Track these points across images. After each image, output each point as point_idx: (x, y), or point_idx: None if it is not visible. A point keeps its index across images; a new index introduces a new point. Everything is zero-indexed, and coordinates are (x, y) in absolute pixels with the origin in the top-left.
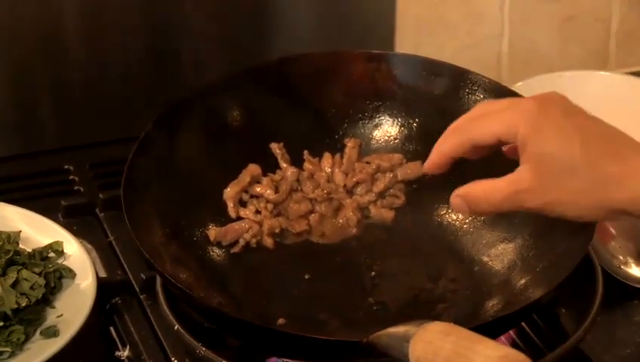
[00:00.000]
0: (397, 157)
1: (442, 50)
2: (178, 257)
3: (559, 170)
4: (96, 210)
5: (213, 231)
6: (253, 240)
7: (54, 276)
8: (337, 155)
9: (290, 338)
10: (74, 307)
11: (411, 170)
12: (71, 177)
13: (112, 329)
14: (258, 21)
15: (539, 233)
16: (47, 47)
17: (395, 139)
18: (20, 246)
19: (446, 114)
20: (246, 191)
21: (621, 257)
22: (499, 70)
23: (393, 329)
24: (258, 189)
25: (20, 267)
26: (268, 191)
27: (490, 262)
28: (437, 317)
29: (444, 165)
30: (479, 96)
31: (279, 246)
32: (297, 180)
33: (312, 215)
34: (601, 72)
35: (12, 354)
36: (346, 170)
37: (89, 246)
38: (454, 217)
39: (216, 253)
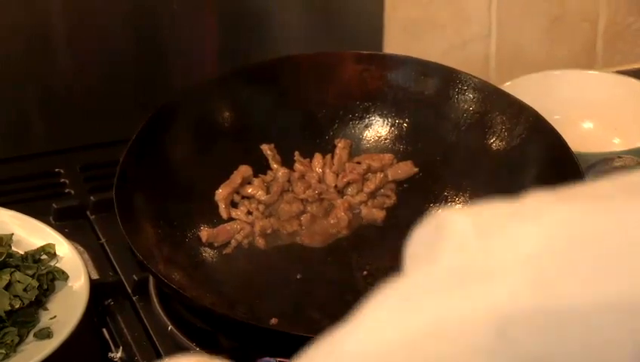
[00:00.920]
0: (387, 157)
1: (430, 51)
2: (170, 258)
3: None
4: (88, 213)
5: (205, 232)
6: (245, 241)
7: (47, 278)
8: (328, 156)
9: (283, 337)
10: (67, 309)
11: (402, 170)
12: (62, 180)
13: (104, 330)
14: (248, 23)
15: None
16: (36, 49)
17: (386, 139)
18: (13, 248)
19: (436, 114)
20: (237, 193)
21: None
22: (487, 71)
23: None
24: (249, 190)
25: (12, 269)
26: (259, 192)
27: None
28: None
29: None
30: (469, 96)
31: (271, 247)
32: (288, 181)
33: (304, 215)
34: (589, 71)
35: (6, 356)
36: (337, 171)
37: (81, 248)
38: None
39: (208, 253)
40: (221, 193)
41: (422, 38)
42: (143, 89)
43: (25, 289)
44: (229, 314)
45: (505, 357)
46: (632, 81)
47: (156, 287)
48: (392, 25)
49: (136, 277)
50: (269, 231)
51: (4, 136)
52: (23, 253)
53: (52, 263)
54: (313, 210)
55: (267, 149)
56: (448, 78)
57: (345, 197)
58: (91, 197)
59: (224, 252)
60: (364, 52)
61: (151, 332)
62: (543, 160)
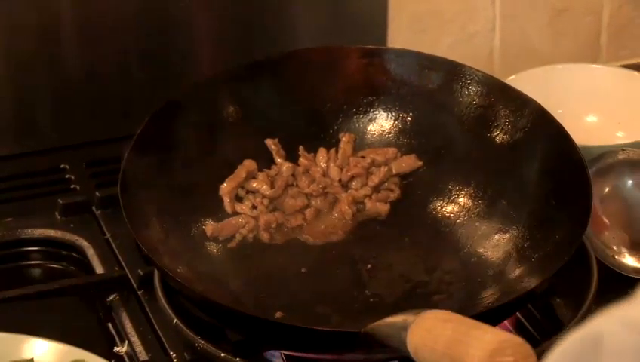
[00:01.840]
0: (391, 151)
1: (435, 45)
2: (176, 252)
3: None
4: (93, 208)
5: (209, 227)
6: (250, 235)
7: None
8: (332, 150)
9: (289, 330)
10: None
11: (406, 163)
12: (67, 176)
13: (110, 325)
14: (252, 18)
15: (534, 224)
16: (42, 46)
17: (390, 133)
18: None
19: (440, 107)
20: (242, 187)
21: (615, 247)
22: (491, 65)
23: (391, 319)
24: (254, 185)
25: None
26: (264, 187)
27: (485, 253)
28: (433, 308)
29: None
30: (472, 90)
31: (275, 241)
32: (293, 175)
33: (308, 209)
34: (593, 65)
35: None
36: (341, 165)
37: (86, 243)
38: (449, 210)
39: (213, 247)
40: (226, 187)
41: (426, 32)
42: (150, 85)
43: None
44: (234, 307)
45: None
46: (636, 74)
47: (161, 281)
48: (397, 19)
49: (141, 272)
50: (273, 226)
51: (11, 132)
52: None
53: None
54: (317, 204)
55: (271, 144)
56: (452, 71)
57: (349, 191)
58: (97, 193)
59: (229, 246)
60: (369, 46)
61: (156, 326)
62: (546, 153)
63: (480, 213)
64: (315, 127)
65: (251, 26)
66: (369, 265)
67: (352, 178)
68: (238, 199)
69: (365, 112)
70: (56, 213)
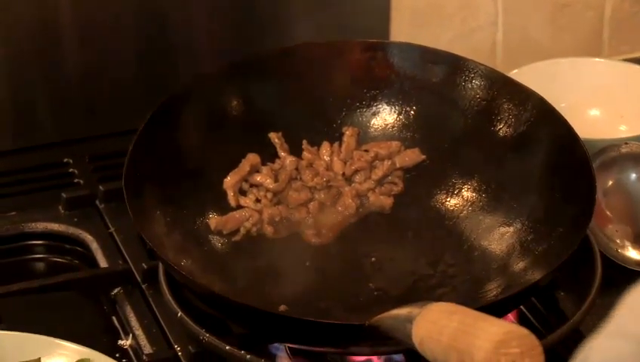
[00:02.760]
0: (395, 144)
1: (437, 39)
2: (180, 246)
3: None
4: (97, 202)
5: (213, 220)
6: (254, 229)
7: None
8: (336, 144)
9: (293, 323)
10: None
11: (409, 157)
12: (70, 170)
13: (114, 318)
14: (255, 12)
15: (537, 217)
16: (45, 41)
17: (393, 126)
18: None
19: (443, 101)
20: (246, 181)
21: (619, 241)
22: (493, 59)
23: (396, 311)
24: (258, 178)
25: None
26: (267, 180)
27: (489, 247)
28: (437, 301)
29: None
30: (476, 83)
31: (279, 234)
32: (296, 169)
33: (312, 203)
34: (596, 59)
35: None
36: (345, 159)
37: (90, 237)
38: (453, 203)
39: (217, 241)
40: (229, 181)
41: (429, 26)
42: (153, 79)
43: None
44: (239, 300)
45: None
46: (638, 68)
47: (165, 275)
48: (399, 14)
49: (145, 266)
50: (277, 219)
51: (15, 127)
52: None
53: None
54: (321, 197)
55: (275, 137)
56: (455, 65)
57: (352, 184)
58: (100, 187)
59: (233, 239)
60: (372, 40)
61: (160, 319)
62: (550, 146)
63: (483, 206)
64: (319, 120)
65: (253, 20)
66: (373, 259)
67: (356, 171)
68: (242, 193)
69: (369, 106)
70: (60, 207)
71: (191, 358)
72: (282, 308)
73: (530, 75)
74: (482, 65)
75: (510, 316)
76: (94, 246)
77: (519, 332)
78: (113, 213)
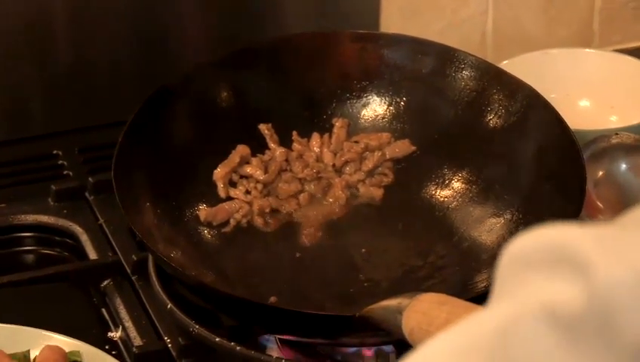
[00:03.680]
0: (385, 135)
1: (427, 30)
2: (170, 237)
3: None
4: (86, 194)
5: (203, 212)
6: (244, 220)
7: None
8: (326, 135)
9: (283, 315)
10: None
11: (399, 148)
12: (60, 162)
13: (104, 310)
14: (246, 3)
15: (527, 208)
16: (35, 32)
17: (383, 118)
18: None
19: (433, 92)
20: (235, 172)
21: None
22: (484, 50)
23: (386, 302)
24: (248, 170)
25: None
26: (257, 172)
27: (479, 238)
28: (427, 292)
29: None
30: (466, 74)
31: (269, 226)
32: (286, 160)
33: (302, 194)
34: (587, 50)
35: None
36: (335, 150)
37: (80, 229)
38: (443, 194)
39: (207, 232)
40: (219, 172)
41: (419, 17)
42: (143, 71)
43: None
44: (229, 292)
45: None
46: (629, 59)
47: (155, 267)
48: (390, 4)
49: (135, 257)
50: (267, 211)
51: (4, 118)
52: None
53: None
54: (311, 189)
55: (265, 129)
56: (445, 56)
57: (343, 176)
58: (90, 179)
59: (223, 231)
60: (362, 31)
61: (150, 311)
62: (540, 137)
63: (474, 197)
64: (309, 112)
65: (242, 12)
66: (363, 250)
67: (346, 163)
68: (232, 184)
69: (359, 97)
70: (50, 199)
71: (181, 350)
72: (272, 299)
73: (520, 66)
74: (472, 55)
75: None
76: (84, 238)
77: None
78: (103, 204)
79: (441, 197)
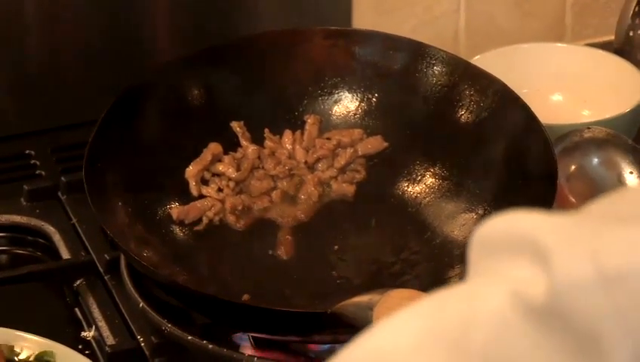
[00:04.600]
0: (357, 132)
1: (399, 27)
2: (142, 236)
3: None
4: (59, 194)
5: (175, 210)
6: (216, 218)
7: None
8: (298, 132)
9: (256, 313)
10: None
11: (372, 144)
12: (32, 162)
13: (77, 310)
14: (216, 2)
15: (500, 203)
16: (7, 31)
17: (355, 114)
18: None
19: (405, 88)
20: (208, 170)
21: None
22: (457, 46)
23: (357, 299)
24: (220, 167)
25: None
26: (230, 170)
27: (452, 233)
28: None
29: None
30: (437, 70)
31: (242, 224)
32: (259, 158)
33: (274, 191)
34: (559, 44)
35: None
36: (307, 147)
37: (52, 228)
38: (416, 190)
39: (179, 231)
40: (191, 170)
41: (391, 14)
42: (114, 70)
43: None
44: (201, 290)
45: None
46: (601, 52)
47: (128, 266)
48: (362, 1)
49: (107, 257)
50: (239, 208)
51: None
52: None
53: None
54: (284, 186)
55: (237, 126)
56: (416, 52)
57: (315, 172)
58: (62, 178)
59: (195, 229)
60: (333, 27)
61: (123, 310)
62: (512, 132)
63: (446, 193)
64: (281, 109)
65: (214, 9)
66: (336, 247)
67: (318, 159)
68: (204, 182)
69: (330, 94)
70: (22, 199)
71: (153, 349)
72: (245, 297)
73: (492, 61)
74: (443, 51)
75: None
76: (57, 237)
77: None
78: (75, 204)
79: (414, 193)
